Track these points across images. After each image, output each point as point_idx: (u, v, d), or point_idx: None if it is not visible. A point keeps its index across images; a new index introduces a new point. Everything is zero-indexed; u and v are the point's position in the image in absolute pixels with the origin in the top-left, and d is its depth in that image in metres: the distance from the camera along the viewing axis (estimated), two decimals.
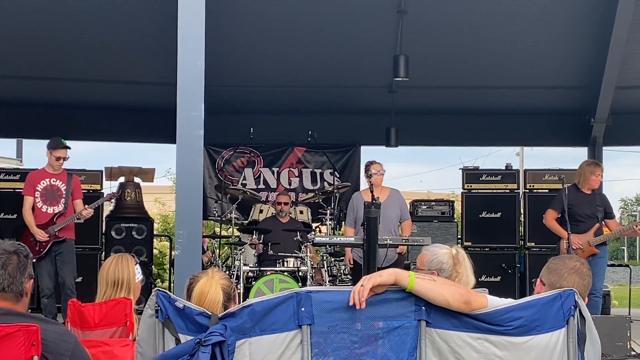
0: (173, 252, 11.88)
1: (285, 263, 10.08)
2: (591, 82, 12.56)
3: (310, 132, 12.12)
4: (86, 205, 9.12)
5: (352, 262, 9.20)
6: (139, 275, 4.98)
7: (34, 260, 8.76)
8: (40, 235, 8.87)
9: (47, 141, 9.24)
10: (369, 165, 9.06)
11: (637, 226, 8.99)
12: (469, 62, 12.40)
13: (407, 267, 10.92)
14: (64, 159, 9.12)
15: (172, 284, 12.78)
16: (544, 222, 9.32)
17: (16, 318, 3.09)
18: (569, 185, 9.06)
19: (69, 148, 9.20)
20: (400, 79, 11.24)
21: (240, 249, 10.38)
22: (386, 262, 8.31)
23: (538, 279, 3.82)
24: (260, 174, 14.11)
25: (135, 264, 5.01)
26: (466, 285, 3.96)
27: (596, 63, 12.05)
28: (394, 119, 12.95)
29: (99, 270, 5.07)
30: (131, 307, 4.81)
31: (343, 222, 10.59)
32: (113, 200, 11.81)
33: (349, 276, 10.66)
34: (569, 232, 8.74)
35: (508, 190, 12.55)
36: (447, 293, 2.98)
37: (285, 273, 9.81)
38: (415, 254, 11.86)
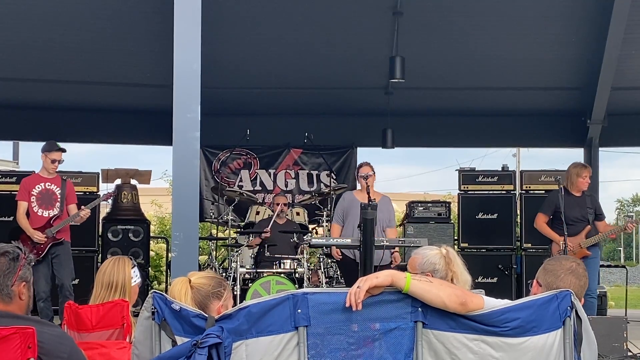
0: (169, 254, 11.87)
1: (281, 265, 10.07)
2: (587, 83, 12.57)
3: (306, 134, 12.13)
4: (83, 207, 9.11)
5: (340, 255, 9.03)
6: (136, 279, 4.97)
7: (33, 264, 8.74)
8: (38, 236, 8.85)
9: (43, 143, 9.23)
10: (361, 167, 8.98)
11: (628, 225, 9.01)
12: (464, 63, 12.41)
13: (403, 269, 10.89)
14: (59, 161, 9.09)
15: (168, 286, 12.76)
16: (535, 226, 9.35)
17: (12, 320, 3.08)
18: (558, 188, 9.07)
19: (64, 151, 9.18)
20: (396, 80, 11.25)
21: (237, 251, 10.37)
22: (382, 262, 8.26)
23: (534, 280, 3.82)
24: (256, 175, 14.11)
25: (133, 267, 5.00)
26: (464, 284, 3.97)
27: (592, 64, 12.07)
28: (390, 120, 12.96)
29: (96, 272, 5.07)
30: (128, 309, 4.80)
31: None
32: (110, 201, 11.80)
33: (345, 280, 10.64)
34: (565, 233, 8.74)
35: (504, 192, 12.56)
36: (444, 294, 2.98)
37: (282, 275, 9.81)
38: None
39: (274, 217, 10.53)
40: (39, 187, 9.06)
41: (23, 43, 11.74)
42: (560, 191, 8.92)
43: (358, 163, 9.27)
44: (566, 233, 8.74)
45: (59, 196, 9.05)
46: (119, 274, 4.91)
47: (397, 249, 8.58)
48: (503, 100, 13.66)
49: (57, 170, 9.17)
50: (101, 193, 12.60)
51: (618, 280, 27.10)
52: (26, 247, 7.81)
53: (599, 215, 9.27)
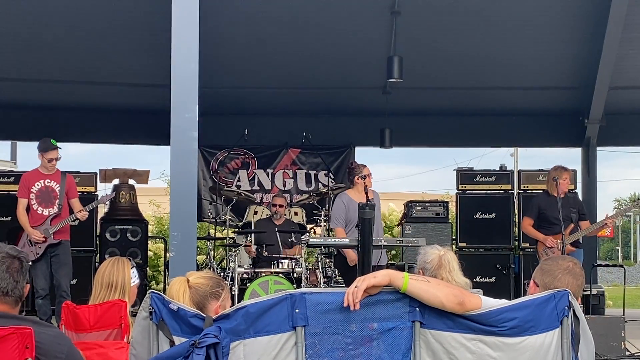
0: (168, 254, 11.88)
1: (279, 264, 10.06)
2: (585, 82, 12.58)
3: (304, 134, 12.12)
4: (81, 209, 9.09)
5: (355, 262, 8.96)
6: (135, 279, 4.98)
7: (30, 263, 8.73)
8: (36, 235, 8.84)
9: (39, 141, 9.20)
10: (360, 167, 8.92)
11: (609, 221, 9.06)
12: (462, 63, 12.41)
13: (401, 269, 10.92)
14: (57, 159, 9.08)
15: (166, 286, 12.75)
16: (522, 229, 9.36)
17: (10, 321, 3.08)
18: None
19: (60, 148, 9.14)
20: (394, 80, 11.24)
21: (235, 251, 10.36)
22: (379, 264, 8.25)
23: (531, 281, 3.82)
24: (254, 175, 14.10)
25: (132, 268, 5.01)
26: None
27: (590, 64, 12.08)
28: (388, 120, 12.96)
29: (95, 272, 5.07)
30: (126, 309, 4.80)
31: None
32: (108, 202, 11.80)
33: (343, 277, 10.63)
34: (563, 233, 8.75)
35: (502, 191, 12.58)
36: (441, 294, 2.98)
37: (280, 274, 9.80)
38: (409, 255, 11.88)
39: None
40: (38, 185, 9.05)
41: (22, 43, 11.74)
42: (556, 190, 8.95)
43: (353, 163, 9.22)
44: (564, 233, 8.75)
45: (58, 193, 9.05)
46: (119, 274, 4.92)
47: None
48: (501, 100, 13.67)
49: (55, 166, 9.15)
50: (99, 193, 12.61)
51: (616, 279, 27.13)
52: (23, 248, 7.76)
53: (582, 215, 9.31)
